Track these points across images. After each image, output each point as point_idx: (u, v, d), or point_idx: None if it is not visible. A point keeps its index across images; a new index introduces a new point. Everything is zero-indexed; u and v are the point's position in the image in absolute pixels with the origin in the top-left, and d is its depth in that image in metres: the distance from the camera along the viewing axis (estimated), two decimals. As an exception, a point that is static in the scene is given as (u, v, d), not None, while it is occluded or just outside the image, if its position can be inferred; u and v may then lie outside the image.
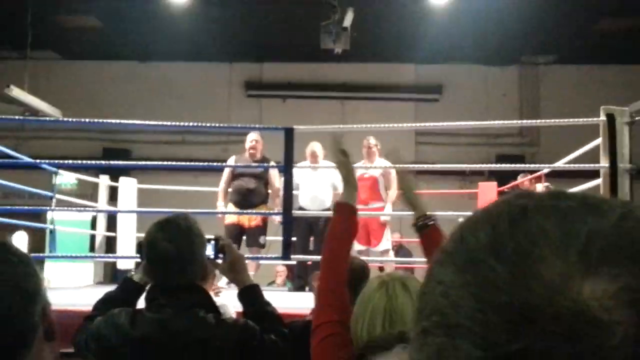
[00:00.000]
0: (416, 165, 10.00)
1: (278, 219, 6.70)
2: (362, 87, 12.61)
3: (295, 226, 6.89)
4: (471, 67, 12.55)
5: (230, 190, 6.94)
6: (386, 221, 6.93)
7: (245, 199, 6.75)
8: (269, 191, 6.94)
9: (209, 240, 2.17)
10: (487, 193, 7.97)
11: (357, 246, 6.86)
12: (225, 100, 12.73)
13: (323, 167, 6.85)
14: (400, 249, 9.28)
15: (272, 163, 6.85)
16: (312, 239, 7.02)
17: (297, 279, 7.11)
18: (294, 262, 7.07)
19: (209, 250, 2.18)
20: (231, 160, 7.02)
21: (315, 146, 7.03)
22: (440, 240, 2.08)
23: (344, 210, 2.07)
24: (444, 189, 10.14)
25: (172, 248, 2.03)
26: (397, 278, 1.71)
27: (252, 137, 6.96)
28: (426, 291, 0.54)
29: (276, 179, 6.91)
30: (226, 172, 6.96)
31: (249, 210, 6.64)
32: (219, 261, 2.22)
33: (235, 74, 12.83)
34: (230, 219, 6.76)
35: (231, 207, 6.84)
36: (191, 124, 6.04)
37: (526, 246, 0.51)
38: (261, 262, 7.10)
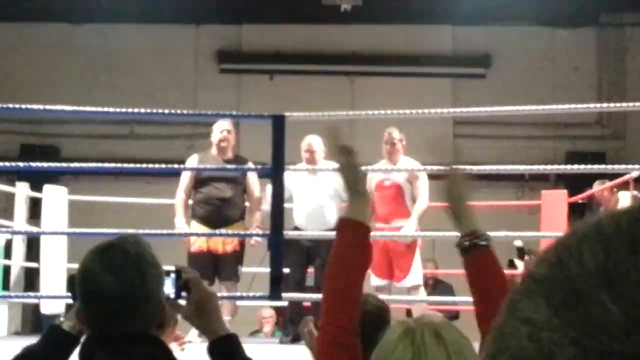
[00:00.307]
0: (454, 167, 9.97)
1: (254, 240, 6.72)
2: (378, 58, 12.62)
3: (287, 253, 6.90)
4: (530, 30, 12.56)
5: (192, 201, 6.94)
6: (416, 245, 6.92)
7: (218, 214, 6.74)
8: (246, 203, 6.96)
9: (167, 273, 2.16)
10: (554, 205, 7.97)
11: (374, 280, 6.85)
12: (191, 76, 12.75)
13: (324, 171, 6.86)
14: (437, 285, 9.28)
15: (250, 164, 6.86)
16: (310, 270, 7.02)
17: (291, 327, 7.10)
18: (286, 303, 7.06)
19: (168, 287, 2.17)
20: (192, 161, 7.01)
21: (313, 141, 7.02)
22: (493, 269, 2.07)
23: (351, 229, 2.06)
24: (493, 199, 10.14)
25: (117, 284, 2.02)
26: (428, 324, 1.69)
27: (222, 127, 6.98)
28: (505, 331, 0.54)
29: (255, 186, 6.93)
30: (185, 177, 6.97)
31: (229, 231, 6.63)
32: (182, 302, 2.21)
33: (204, 40, 12.85)
34: (198, 244, 6.75)
35: (196, 226, 6.82)
36: (143, 110, 6.04)
37: None
38: (240, 303, 7.08)
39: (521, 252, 8.71)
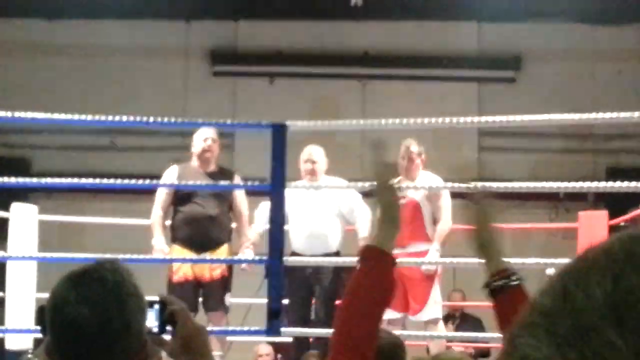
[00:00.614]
0: (479, 184, 9.96)
1: (243, 266, 6.72)
2: (393, 59, 12.65)
3: (287, 281, 6.90)
4: (566, 27, 12.58)
5: (170, 221, 6.92)
6: (435, 273, 6.91)
7: (203, 235, 6.72)
8: (233, 224, 6.96)
9: (150, 305, 2.16)
10: (593, 229, 7.94)
11: (387, 313, 6.83)
12: (180, 80, 12.78)
13: (326, 188, 6.85)
14: (464, 320, 9.25)
15: (236, 176, 6.86)
16: (314, 301, 7.01)
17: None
18: (286, 339, 7.05)
19: (151, 320, 2.18)
20: (171, 174, 6.99)
21: (314, 151, 7.02)
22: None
23: (376, 259, 2.07)
24: (523, 221, 10.13)
25: (93, 316, 2.03)
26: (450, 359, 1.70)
27: (205, 134, 6.97)
28: None
29: (243, 202, 6.92)
30: (163, 192, 6.95)
31: (219, 257, 6.63)
32: (167, 337, 2.21)
33: (195, 38, 12.88)
34: (182, 271, 6.73)
35: (179, 251, 6.81)
36: (125, 118, 6.05)
37: None
38: (233, 338, 7.07)
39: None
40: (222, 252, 6.76)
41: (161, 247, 6.78)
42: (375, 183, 2.28)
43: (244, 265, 6.79)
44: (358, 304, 2.02)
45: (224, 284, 6.80)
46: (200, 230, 6.73)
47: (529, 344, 0.55)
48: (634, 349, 0.51)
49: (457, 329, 9.03)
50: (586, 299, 0.54)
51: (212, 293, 6.75)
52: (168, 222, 7.03)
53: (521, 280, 2.17)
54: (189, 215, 6.78)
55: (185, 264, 6.72)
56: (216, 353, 6.65)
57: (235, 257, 6.77)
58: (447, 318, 9.72)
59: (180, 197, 6.84)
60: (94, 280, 2.07)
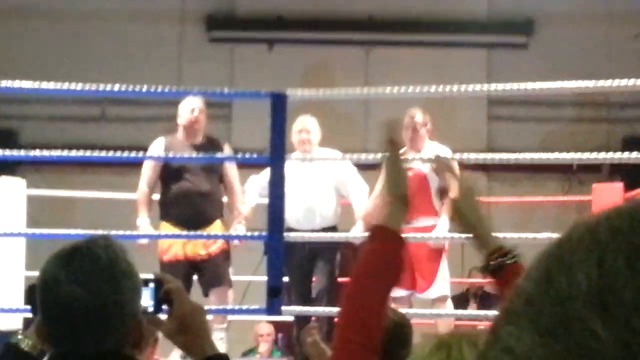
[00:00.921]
0: (489, 155, 9.98)
1: (236, 241, 6.73)
2: (398, 23, 12.62)
3: (287, 258, 6.91)
4: (581, -10, 12.53)
5: (160, 197, 6.89)
6: (443, 249, 6.93)
7: (196, 213, 6.70)
8: (224, 197, 6.94)
9: (145, 283, 2.17)
10: (608, 201, 7.94)
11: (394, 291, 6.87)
12: (175, 46, 12.75)
13: (321, 160, 6.85)
14: (484, 298, 9.29)
15: (226, 147, 6.85)
16: (314, 278, 7.03)
17: (299, 346, 7.11)
18: (287, 318, 7.07)
19: (146, 299, 2.19)
20: (158, 146, 6.96)
21: (307, 122, 7.01)
22: None
23: (385, 238, 2.08)
24: (535, 194, 10.14)
25: (85, 295, 2.03)
26: (467, 335, 1.72)
27: (191, 104, 6.92)
28: (487, 358, 0.55)
29: (234, 174, 6.90)
30: (147, 167, 6.93)
31: (211, 233, 6.63)
32: (163, 316, 2.22)
33: (191, 2, 12.85)
34: (173, 250, 6.72)
35: (169, 229, 6.79)
36: (116, 87, 6.04)
37: None
38: (232, 317, 7.09)
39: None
40: (215, 228, 6.75)
41: (146, 228, 6.76)
42: (383, 160, 2.29)
43: (236, 241, 6.79)
44: (366, 283, 2.04)
45: (224, 258, 6.78)
46: (191, 208, 6.70)
47: (512, 334, 0.55)
48: (619, 339, 0.51)
49: (479, 308, 9.08)
50: (569, 285, 0.54)
51: (213, 269, 6.72)
52: (157, 197, 7.00)
53: (517, 257, 2.18)
54: (179, 191, 6.74)
55: (176, 244, 6.70)
56: (218, 326, 6.69)
57: (232, 233, 6.76)
58: (468, 297, 9.75)
59: (169, 172, 6.80)
60: (85, 257, 2.07)
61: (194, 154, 6.77)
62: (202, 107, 6.92)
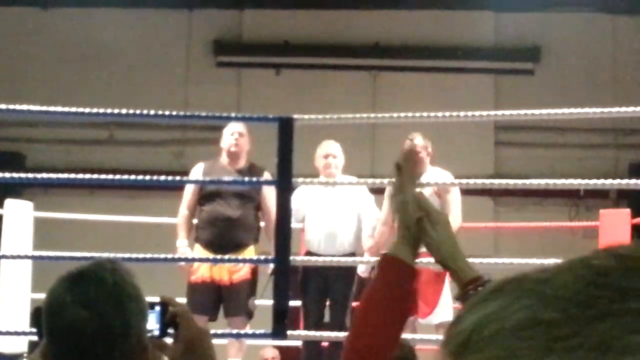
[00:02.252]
0: (496, 180, 9.99)
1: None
2: (405, 49, 12.65)
3: (303, 283, 6.90)
4: (587, 17, 12.56)
5: (196, 220, 6.93)
6: (445, 273, 6.91)
7: (224, 237, 6.71)
8: (262, 223, 6.93)
9: (151, 307, 2.16)
10: (615, 227, 7.93)
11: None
12: (182, 71, 12.79)
13: (343, 185, 6.85)
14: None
15: (267, 174, 6.83)
16: (328, 303, 7.02)
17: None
18: (293, 343, 7.05)
19: (152, 323, 2.18)
20: (197, 171, 7.01)
21: (333, 147, 7.03)
22: None
23: (395, 269, 2.06)
24: (542, 220, 10.12)
25: (91, 318, 2.03)
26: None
27: (233, 128, 6.95)
28: None
29: (272, 202, 6.90)
30: (189, 192, 6.96)
31: (231, 257, 6.61)
32: (169, 340, 2.21)
33: (198, 28, 12.90)
34: (200, 272, 6.73)
35: (200, 252, 6.82)
36: (124, 111, 6.06)
37: (608, 340, 0.53)
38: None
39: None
40: (248, 255, 6.72)
41: (184, 250, 6.79)
42: (395, 191, 2.24)
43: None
44: (373, 314, 2.02)
45: (247, 287, 6.75)
46: (220, 232, 6.71)
47: None
48: None
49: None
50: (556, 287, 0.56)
51: (233, 297, 6.71)
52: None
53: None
54: (210, 215, 6.77)
55: (203, 266, 6.72)
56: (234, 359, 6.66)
57: (244, 258, 6.75)
58: None
59: (205, 195, 6.83)
60: (92, 281, 2.07)
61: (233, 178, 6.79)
62: (243, 131, 6.93)
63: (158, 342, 2.22)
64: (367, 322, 2.00)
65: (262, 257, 6.44)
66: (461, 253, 2.14)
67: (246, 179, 6.79)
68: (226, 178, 6.82)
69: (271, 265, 6.49)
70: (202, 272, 6.72)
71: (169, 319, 2.20)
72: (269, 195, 6.78)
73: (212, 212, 6.77)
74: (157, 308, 2.20)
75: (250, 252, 6.75)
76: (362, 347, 1.97)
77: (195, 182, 6.82)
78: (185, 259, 6.72)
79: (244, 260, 6.69)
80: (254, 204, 6.84)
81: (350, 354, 1.98)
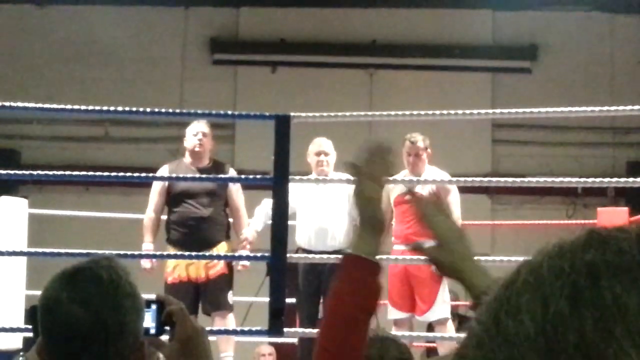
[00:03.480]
0: (494, 179, 10.02)
1: (241, 264, 6.74)
2: (402, 48, 12.65)
3: (296, 280, 6.90)
4: (584, 16, 12.57)
5: (166, 220, 6.94)
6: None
7: (196, 237, 6.75)
8: (230, 219, 6.96)
9: (147, 305, 2.16)
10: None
11: (393, 313, 6.86)
12: (178, 69, 12.79)
13: (335, 182, 6.86)
14: (463, 322, 9.24)
15: (231, 170, 6.87)
16: (322, 300, 7.04)
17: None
18: (289, 340, 7.06)
19: (148, 321, 2.18)
20: (163, 172, 7.02)
21: (325, 144, 7.05)
22: None
23: (357, 268, 2.05)
24: (539, 218, 10.12)
25: (87, 316, 2.03)
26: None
27: (196, 129, 6.99)
28: None
29: (239, 198, 6.94)
30: (155, 193, 6.98)
31: (210, 254, 6.64)
32: (165, 338, 2.21)
33: (194, 25, 12.89)
34: (176, 272, 6.77)
35: (171, 252, 6.88)
36: (120, 108, 6.06)
37: (597, 341, 0.52)
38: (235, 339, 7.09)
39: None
40: (220, 251, 6.78)
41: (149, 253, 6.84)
42: (354, 178, 2.20)
43: (239, 266, 6.80)
44: (340, 313, 2.00)
45: (224, 282, 6.81)
46: (193, 232, 6.77)
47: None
48: None
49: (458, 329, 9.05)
50: (516, 329, 0.54)
51: (212, 293, 6.77)
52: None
53: None
54: (181, 216, 6.82)
55: (179, 266, 6.75)
56: (227, 354, 6.69)
57: (235, 254, 6.77)
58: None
59: (173, 196, 6.87)
60: (88, 278, 2.07)
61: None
62: (206, 131, 6.97)
63: (154, 341, 2.22)
64: (334, 322, 1.99)
65: (259, 255, 6.45)
66: (469, 263, 2.10)
67: (240, 176, 6.82)
68: (198, 176, 6.84)
69: (242, 262, 6.58)
70: (178, 272, 6.76)
71: (165, 317, 2.20)
72: (236, 191, 6.86)
73: (183, 213, 6.81)
74: (154, 306, 2.19)
75: (222, 248, 6.81)
76: (331, 345, 1.97)
77: (192, 179, 6.82)
78: (182, 256, 6.73)
79: (240, 258, 6.72)
80: (223, 201, 6.91)
81: (321, 353, 1.98)
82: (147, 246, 6.89)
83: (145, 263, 6.80)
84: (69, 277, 2.09)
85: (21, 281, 7.84)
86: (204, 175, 6.79)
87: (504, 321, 0.55)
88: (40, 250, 6.80)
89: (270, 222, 5.62)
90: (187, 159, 6.99)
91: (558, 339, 0.52)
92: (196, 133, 6.95)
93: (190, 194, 6.81)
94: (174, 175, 6.81)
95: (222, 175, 6.87)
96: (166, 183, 6.90)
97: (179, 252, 6.71)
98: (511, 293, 0.56)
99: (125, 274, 2.10)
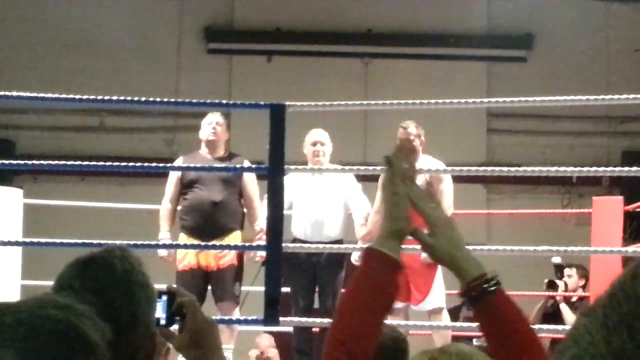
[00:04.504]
0: (489, 168, 10.02)
1: (258, 256, 6.71)
2: (397, 36, 12.64)
3: (291, 270, 6.90)
4: (580, 4, 12.56)
5: (180, 208, 6.95)
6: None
7: (208, 222, 6.75)
8: (244, 209, 6.96)
9: (158, 295, 2.18)
10: (607, 215, 7.96)
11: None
12: (173, 58, 12.77)
13: (330, 173, 6.86)
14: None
15: (246, 162, 6.86)
16: (317, 289, 7.04)
17: (298, 357, 7.11)
18: (285, 329, 7.07)
19: (159, 312, 2.19)
20: (177, 164, 7.03)
21: (321, 135, 7.05)
22: (510, 314, 2.06)
23: (379, 263, 2.05)
24: (534, 207, 10.15)
25: (99, 305, 2.02)
26: (456, 353, 1.71)
27: (211, 119, 7.01)
28: (561, 350, 0.60)
29: (254, 188, 6.93)
30: (171, 184, 6.98)
31: (213, 243, 6.63)
32: (175, 328, 2.22)
33: (189, 14, 12.87)
34: (187, 260, 6.77)
35: (184, 239, 6.87)
36: (115, 98, 6.06)
37: None
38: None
39: (560, 270, 8.71)
40: (233, 240, 6.76)
41: (166, 242, 6.83)
42: (386, 184, 2.19)
43: (257, 258, 6.74)
44: (356, 307, 2.01)
45: (233, 273, 6.79)
46: (204, 217, 6.75)
47: (584, 325, 0.57)
48: None
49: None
50: (630, 295, 0.56)
51: (220, 283, 6.76)
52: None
53: (500, 285, 2.12)
54: (193, 201, 6.80)
55: (190, 253, 6.74)
56: (227, 346, 6.68)
57: (236, 244, 6.76)
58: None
59: (186, 184, 6.86)
60: (101, 267, 2.08)
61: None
62: (221, 121, 6.99)
63: (164, 332, 2.23)
64: (350, 315, 2.00)
65: (255, 244, 6.46)
66: (462, 251, 2.12)
67: (235, 166, 6.80)
68: (217, 165, 6.85)
69: (260, 253, 6.55)
70: (188, 260, 6.75)
71: (175, 308, 2.21)
72: (250, 181, 6.85)
73: (195, 198, 6.80)
74: (164, 297, 2.21)
75: (235, 237, 6.79)
76: (345, 338, 1.97)
77: (187, 168, 6.82)
78: (178, 246, 6.73)
79: (236, 247, 6.71)
80: (236, 190, 6.88)
81: (333, 345, 1.98)
82: (164, 235, 6.88)
83: (162, 252, 6.81)
84: (82, 265, 2.10)
85: (16, 271, 7.85)
86: (199, 165, 6.77)
87: (638, 279, 0.57)
88: (35, 240, 6.80)
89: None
90: (203, 149, 6.99)
91: None
92: (210, 122, 6.97)
93: (202, 182, 6.82)
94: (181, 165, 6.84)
95: (218, 165, 6.86)
96: (180, 173, 6.91)
97: (191, 241, 6.71)
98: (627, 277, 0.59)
99: (138, 264, 2.11)
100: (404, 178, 2.12)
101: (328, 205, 7.00)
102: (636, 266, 0.59)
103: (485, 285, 2.09)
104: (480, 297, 2.08)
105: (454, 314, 8.76)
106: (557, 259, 8.79)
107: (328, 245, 6.70)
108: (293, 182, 6.83)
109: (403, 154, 2.19)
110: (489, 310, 2.06)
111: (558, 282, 8.54)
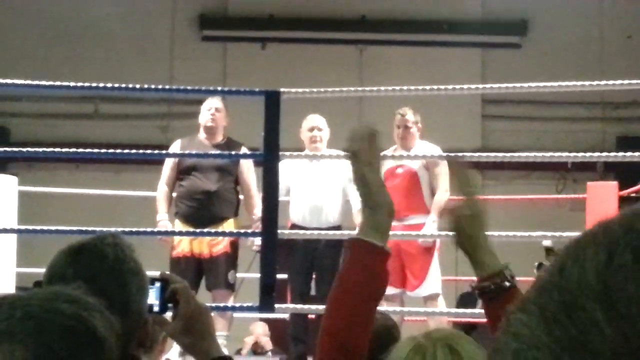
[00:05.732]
0: (484, 154, 10.01)
1: (255, 245, 6.71)
2: (392, 23, 12.63)
3: (289, 257, 6.91)
4: (575, -10, 12.56)
5: (175, 194, 6.95)
6: (434, 247, 6.93)
7: (202, 210, 6.74)
8: (241, 196, 6.95)
9: (151, 282, 2.17)
10: (602, 200, 7.97)
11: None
12: (167, 45, 12.75)
13: (328, 158, 6.86)
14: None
15: (244, 149, 6.85)
16: (314, 276, 7.04)
17: (293, 344, 7.11)
18: (284, 316, 7.08)
19: (152, 299, 2.19)
20: (175, 147, 7.02)
21: (319, 120, 7.05)
22: None
23: (364, 252, 2.05)
24: (529, 192, 10.16)
25: (91, 293, 2.02)
26: (440, 339, 1.73)
27: (210, 104, 6.98)
28: (497, 348, 0.57)
29: (251, 176, 6.92)
30: (167, 167, 6.97)
31: (216, 230, 6.63)
32: (168, 316, 2.21)
33: (183, 2, 12.85)
34: (180, 247, 6.77)
35: (180, 227, 6.86)
36: (109, 85, 6.05)
37: None
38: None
39: (551, 254, 8.72)
40: (227, 228, 6.75)
41: (165, 224, 6.82)
42: (353, 166, 2.14)
43: (255, 247, 6.73)
44: (346, 297, 2.01)
45: (227, 260, 6.79)
46: (199, 205, 6.74)
47: (521, 320, 0.56)
48: (620, 331, 0.52)
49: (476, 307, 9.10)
50: (578, 277, 0.56)
51: (213, 271, 6.75)
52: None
53: (514, 280, 2.13)
54: (189, 189, 6.80)
55: (184, 240, 6.74)
56: (220, 333, 6.68)
57: (232, 231, 6.76)
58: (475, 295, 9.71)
59: (183, 170, 6.85)
60: (93, 254, 2.07)
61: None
62: (220, 106, 6.95)
63: (158, 318, 2.23)
64: (340, 305, 2.00)
65: (250, 231, 6.45)
66: (486, 243, 2.14)
67: (230, 152, 6.79)
68: (213, 152, 6.83)
69: (257, 242, 6.55)
70: (182, 247, 6.74)
71: (169, 295, 2.21)
72: (247, 169, 6.84)
73: (191, 186, 6.79)
74: (157, 284, 2.20)
75: (230, 225, 6.78)
76: (336, 329, 1.97)
77: (181, 155, 6.81)
78: (172, 232, 6.74)
79: (232, 234, 6.71)
80: (233, 178, 6.87)
81: (326, 336, 1.98)
82: (162, 216, 6.87)
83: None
84: (74, 253, 2.09)
85: (11, 259, 7.84)
86: (194, 151, 6.76)
87: (568, 268, 0.56)
88: (30, 227, 6.80)
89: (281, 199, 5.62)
90: (202, 134, 6.97)
91: (618, 288, 0.53)
92: (209, 108, 6.93)
93: (198, 169, 6.80)
94: (179, 152, 6.82)
95: (212, 152, 6.84)
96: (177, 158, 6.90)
97: (186, 228, 6.71)
98: (580, 245, 0.57)
99: (131, 252, 2.10)
100: (371, 165, 2.12)
101: (326, 190, 6.99)
102: (561, 261, 0.59)
103: (503, 282, 2.10)
104: (495, 292, 2.09)
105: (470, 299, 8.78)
106: (547, 242, 8.80)
107: (324, 232, 6.70)
108: (290, 168, 6.82)
109: (369, 144, 2.18)
110: (502, 305, 2.06)
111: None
